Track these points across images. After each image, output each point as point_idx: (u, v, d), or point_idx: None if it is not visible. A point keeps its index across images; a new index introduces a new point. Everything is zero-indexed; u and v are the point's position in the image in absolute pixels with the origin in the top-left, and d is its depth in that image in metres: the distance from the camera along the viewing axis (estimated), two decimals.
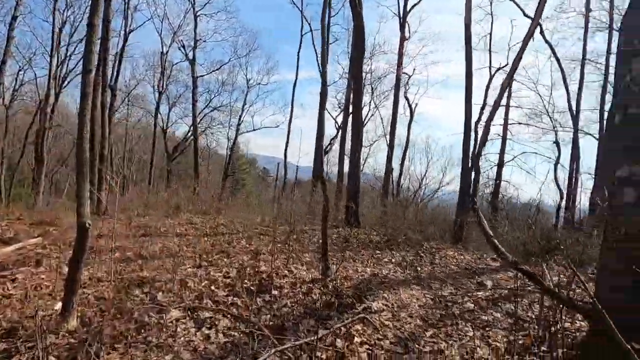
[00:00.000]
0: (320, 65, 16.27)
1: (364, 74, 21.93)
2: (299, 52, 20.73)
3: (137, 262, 4.59)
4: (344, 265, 5.04)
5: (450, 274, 5.27)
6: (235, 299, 3.62)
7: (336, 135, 20.70)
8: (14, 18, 14.16)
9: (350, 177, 10.45)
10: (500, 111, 15.11)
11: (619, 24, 11.52)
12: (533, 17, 7.63)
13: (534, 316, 3.51)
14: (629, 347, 1.71)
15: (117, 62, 17.71)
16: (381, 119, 22.01)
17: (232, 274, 4.32)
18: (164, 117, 24.01)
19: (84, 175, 2.95)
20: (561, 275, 4.70)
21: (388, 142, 16.57)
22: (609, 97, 12.75)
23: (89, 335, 2.60)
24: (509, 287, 4.48)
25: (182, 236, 6.45)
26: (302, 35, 20.36)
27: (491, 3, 15.93)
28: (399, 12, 17.19)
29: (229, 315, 3.22)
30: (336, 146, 19.86)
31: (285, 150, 20.03)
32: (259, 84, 25.21)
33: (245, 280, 4.13)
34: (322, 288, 4.02)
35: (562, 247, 6.15)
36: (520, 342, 2.97)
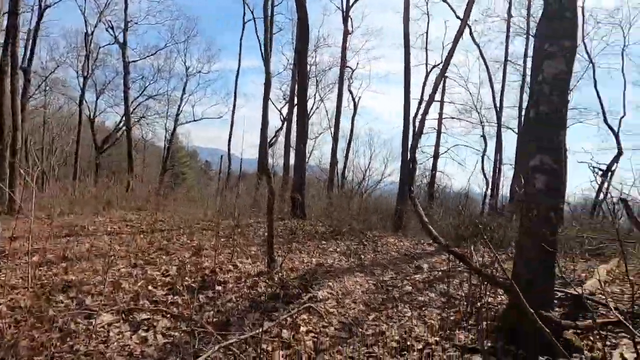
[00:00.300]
0: (263, 54, 15.91)
1: (308, 66, 21.97)
2: (241, 40, 20.02)
3: (60, 265, 4.15)
4: (290, 257, 5.05)
5: (391, 260, 5.56)
6: (175, 297, 3.45)
7: (281, 127, 20.54)
8: None
9: (296, 170, 10.46)
10: (436, 106, 16.16)
11: (534, 30, 12.87)
12: (462, 18, 8.21)
13: (463, 294, 3.84)
14: (534, 314, 1.95)
15: (30, 41, 15.58)
16: (326, 111, 22.27)
17: (172, 272, 4.11)
18: (90, 105, 21.75)
19: None
20: (486, 256, 5.20)
21: (332, 134, 16.84)
22: (526, 96, 14.27)
23: (1, 350, 2.30)
24: (442, 269, 4.85)
25: (115, 234, 5.96)
26: (244, 23, 19.70)
27: (427, 3, 16.84)
28: (342, 6, 17.43)
29: (168, 315, 3.06)
30: (281, 138, 19.72)
31: (229, 142, 19.38)
32: (200, 72, 23.93)
33: (187, 278, 3.95)
34: (267, 281, 3.99)
35: (487, 231, 6.81)
36: (451, 318, 3.25)
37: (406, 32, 10.30)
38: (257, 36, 18.54)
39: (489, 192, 14.59)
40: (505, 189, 14.36)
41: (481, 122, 17.06)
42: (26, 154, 19.46)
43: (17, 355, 2.28)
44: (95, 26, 19.96)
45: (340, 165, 18.87)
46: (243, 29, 19.86)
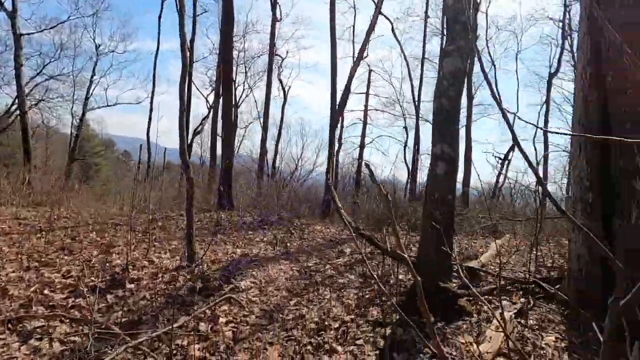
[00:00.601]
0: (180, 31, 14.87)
1: (236, 53, 21.14)
2: (159, 18, 18.44)
3: None
4: (213, 249, 4.91)
5: (316, 247, 5.72)
6: (78, 300, 3.14)
7: (207, 115, 19.57)
8: None
9: (224, 159, 10.10)
10: (362, 98, 16.83)
11: None
12: (374, 12, 8.60)
13: (379, 273, 4.13)
14: (420, 285, 2.18)
15: None
16: (255, 101, 21.76)
17: (75, 273, 3.71)
18: None
19: None
20: (404, 238, 5.62)
21: (262, 123, 16.56)
22: None
23: None
24: (363, 251, 5.14)
25: (4, 235, 5.16)
26: (162, 1, 18.16)
27: None
28: None
29: (67, 320, 2.77)
30: (208, 127, 18.81)
31: (148, 129, 17.87)
32: (113, 51, 21.54)
33: (93, 278, 3.60)
34: (187, 274, 3.83)
35: (405, 215, 7.39)
36: (367, 296, 3.48)
37: (332, 24, 10.48)
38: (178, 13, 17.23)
39: (409, 180, 15.77)
40: (423, 177, 15.67)
41: (403, 115, 18.29)
42: None
43: None
44: None
45: (270, 155, 18.72)
46: (162, 7, 18.32)
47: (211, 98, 19.08)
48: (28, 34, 17.74)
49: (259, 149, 17.49)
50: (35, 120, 21.16)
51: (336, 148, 15.81)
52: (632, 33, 2.40)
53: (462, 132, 15.04)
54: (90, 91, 20.82)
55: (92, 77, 20.75)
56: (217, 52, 16.90)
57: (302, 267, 4.52)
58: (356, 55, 16.75)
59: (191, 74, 17.71)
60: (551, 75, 16.74)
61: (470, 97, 15.22)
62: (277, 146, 19.04)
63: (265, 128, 16.43)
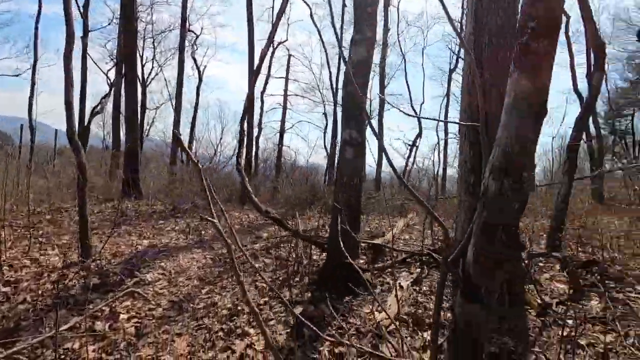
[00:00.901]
0: None
1: (143, 25, 19.01)
2: None
3: None
4: (115, 241, 4.47)
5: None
6: None
7: (108, 93, 17.38)
8: None
9: (128, 142, 9.13)
10: (281, 83, 16.66)
11: None
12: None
13: (293, 255, 4.23)
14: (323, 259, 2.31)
15: None
16: (165, 80, 20.00)
17: None
18: None
19: None
20: (320, 220, 5.83)
21: (175, 105, 15.33)
22: None
23: None
24: (280, 235, 5.20)
25: None
26: None
27: None
28: None
29: None
30: (111, 106, 16.72)
31: (30, 107, 15.09)
32: None
33: None
34: (80, 271, 3.42)
35: (322, 198, 7.65)
36: (281, 278, 3.54)
37: (249, 1, 10.07)
38: None
39: (328, 164, 16.29)
40: None
41: (323, 101, 18.65)
42: None
43: None
44: None
45: (185, 139, 17.49)
46: None
47: (112, 74, 16.93)
48: None
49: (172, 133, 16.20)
50: None
51: (256, 133, 15.50)
52: (504, 38, 2.80)
53: (376, 120, 16.02)
54: None
55: None
56: (118, 21, 14.95)
57: (217, 255, 4.39)
58: (275, 38, 16.46)
59: (86, 45, 15.46)
60: (451, 71, 18.68)
61: (382, 87, 16.19)
62: (193, 130, 17.88)
63: (178, 110, 15.23)
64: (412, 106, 16.98)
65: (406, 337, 2.43)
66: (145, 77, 20.95)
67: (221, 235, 1.48)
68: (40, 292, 3.05)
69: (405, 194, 9.11)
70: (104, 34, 23.14)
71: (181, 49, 15.22)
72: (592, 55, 4.19)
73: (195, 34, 19.12)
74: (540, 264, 3.62)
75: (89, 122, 16.91)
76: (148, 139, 21.37)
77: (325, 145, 18.03)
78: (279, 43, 16.63)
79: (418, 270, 3.47)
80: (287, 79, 17.17)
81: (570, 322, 2.54)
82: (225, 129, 20.39)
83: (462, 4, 16.34)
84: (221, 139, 18.59)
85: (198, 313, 2.92)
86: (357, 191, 3.27)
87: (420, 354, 2.23)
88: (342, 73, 17.01)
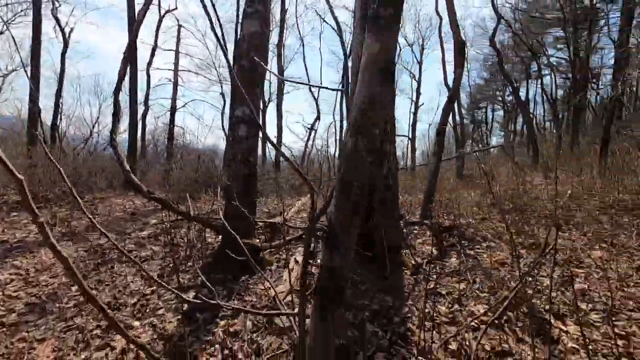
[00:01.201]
0: None
1: None
2: None
3: None
4: None
5: (114, 221, 4.97)
6: None
7: None
8: None
9: None
10: (172, 56, 15.12)
11: None
12: None
13: (185, 240, 3.99)
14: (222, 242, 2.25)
15: None
16: (14, 40, 16.15)
17: None
18: None
19: None
20: (216, 204, 5.58)
21: (30, 73, 12.54)
22: None
23: None
24: (170, 220, 4.82)
25: None
26: None
27: None
28: None
29: None
30: None
31: None
32: None
33: None
34: None
35: (219, 181, 7.33)
36: (171, 265, 3.31)
37: None
38: None
39: (227, 146, 15.65)
40: None
41: (220, 81, 17.62)
42: None
43: None
44: None
45: (48, 116, 14.59)
46: None
47: None
48: None
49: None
50: None
51: (142, 110, 13.86)
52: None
53: (274, 104, 15.95)
54: None
55: None
56: None
57: (92, 246, 3.85)
58: (162, 5, 14.78)
59: None
60: (346, 58, 19.64)
61: (281, 69, 16.11)
62: (58, 105, 14.97)
63: (36, 79, 12.51)
64: (310, 90, 17.38)
65: None
66: None
67: (93, 223, 1.28)
68: None
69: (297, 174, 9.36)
70: None
71: (37, 3, 12.41)
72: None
73: None
74: (415, 232, 4.18)
75: None
76: None
77: (223, 127, 17.21)
78: (167, 11, 14.95)
79: (312, 245, 3.64)
80: (177, 51, 15.62)
81: (435, 277, 3.01)
82: (104, 106, 17.61)
83: None
84: (98, 117, 16.13)
85: (67, 313, 2.53)
86: (252, 170, 3.22)
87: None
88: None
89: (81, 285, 1.10)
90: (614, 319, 2.26)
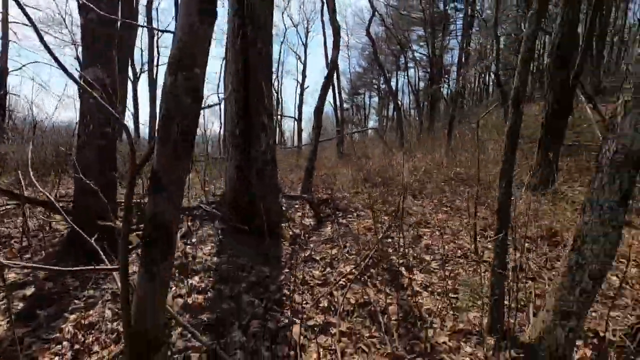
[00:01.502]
0: None
1: None
2: None
3: None
4: None
5: None
6: None
7: None
8: None
9: None
10: None
11: None
12: None
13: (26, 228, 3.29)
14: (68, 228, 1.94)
15: None
16: None
17: None
18: None
19: None
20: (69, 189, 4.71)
21: None
22: None
23: None
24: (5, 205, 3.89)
25: None
26: None
27: None
28: None
29: None
30: None
31: None
32: None
33: None
34: None
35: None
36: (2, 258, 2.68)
37: None
38: None
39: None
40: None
41: (74, 42, 14.58)
42: None
43: None
44: None
45: None
46: None
47: None
48: None
49: None
50: None
51: None
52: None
53: (146, 75, 14.19)
54: None
55: None
56: None
57: None
58: None
59: None
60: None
61: (152, 36, 14.34)
62: None
63: None
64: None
65: (175, 285, 2.38)
66: None
67: None
68: None
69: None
70: None
71: None
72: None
73: None
74: (297, 205, 4.34)
75: None
76: None
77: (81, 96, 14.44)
78: None
79: (189, 224, 3.43)
80: None
81: (312, 245, 3.20)
82: None
83: None
84: None
85: None
86: (110, 142, 2.81)
87: (185, 298, 2.25)
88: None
89: None
90: (446, 265, 2.80)
